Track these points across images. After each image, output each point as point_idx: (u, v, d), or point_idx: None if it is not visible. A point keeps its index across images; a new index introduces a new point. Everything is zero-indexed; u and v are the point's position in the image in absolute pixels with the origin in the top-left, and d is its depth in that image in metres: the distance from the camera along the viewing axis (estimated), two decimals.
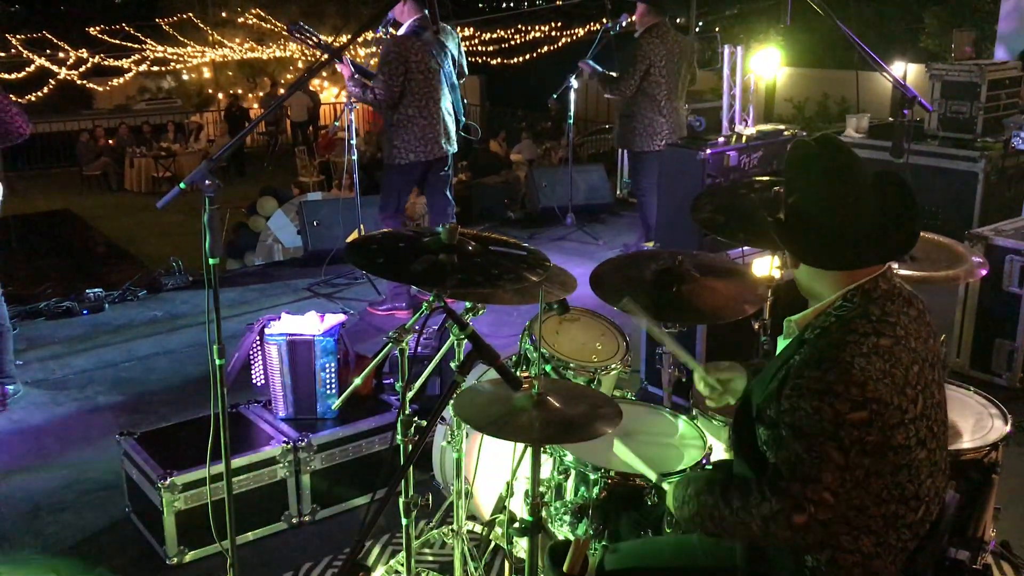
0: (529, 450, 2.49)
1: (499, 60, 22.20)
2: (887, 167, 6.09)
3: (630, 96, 6.62)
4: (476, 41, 22.00)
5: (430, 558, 3.46)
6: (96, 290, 6.46)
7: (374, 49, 13.55)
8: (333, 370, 3.82)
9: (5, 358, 4.84)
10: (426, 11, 5.66)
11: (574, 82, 7.33)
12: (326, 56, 4.89)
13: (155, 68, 23.59)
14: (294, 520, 3.72)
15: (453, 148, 5.93)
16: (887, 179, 2.04)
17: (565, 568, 2.24)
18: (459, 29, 20.09)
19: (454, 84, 5.90)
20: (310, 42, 5.51)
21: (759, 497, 1.92)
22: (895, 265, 3.24)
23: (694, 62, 7.02)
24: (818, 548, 1.97)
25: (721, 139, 6.52)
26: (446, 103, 5.83)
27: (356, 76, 5.61)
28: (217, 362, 2.92)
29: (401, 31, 5.65)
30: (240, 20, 23.41)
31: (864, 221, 1.98)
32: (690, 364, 2.63)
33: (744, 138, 6.59)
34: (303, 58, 22.46)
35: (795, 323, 2.11)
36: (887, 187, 2.03)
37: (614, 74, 6.76)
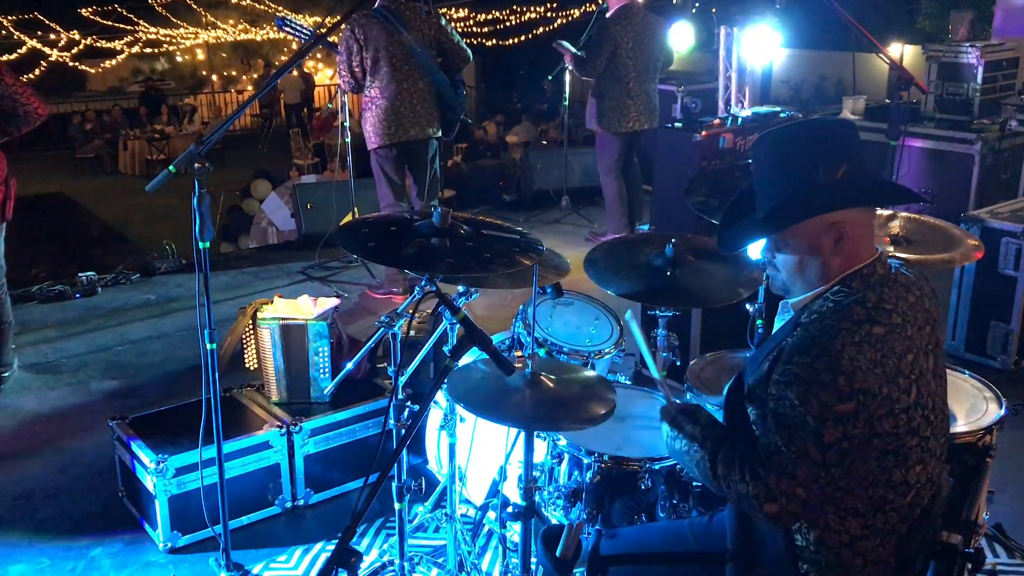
0: (522, 433, 2.48)
1: (494, 41, 22.08)
2: (883, 150, 6.10)
3: (598, 77, 6.62)
4: (471, 22, 21.86)
5: (423, 542, 3.46)
6: (89, 273, 6.43)
7: None
8: (326, 354, 3.81)
9: (5, 349, 4.83)
10: None
11: (568, 63, 7.28)
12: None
13: (148, 50, 23.43)
14: (287, 504, 3.71)
15: (431, 133, 5.71)
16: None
17: (558, 553, 2.23)
18: (452, 10, 20.00)
19: (433, 68, 5.63)
20: (302, 35, 5.50)
21: (738, 476, 1.94)
22: (890, 248, 3.24)
23: (667, 43, 6.95)
24: (806, 528, 1.97)
25: (716, 121, 6.49)
26: (417, 84, 5.58)
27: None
28: (209, 346, 2.91)
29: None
30: (233, 1, 23.25)
31: (812, 158, 1.99)
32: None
33: (739, 120, 6.56)
34: (296, 40, 22.33)
35: (792, 305, 2.10)
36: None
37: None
